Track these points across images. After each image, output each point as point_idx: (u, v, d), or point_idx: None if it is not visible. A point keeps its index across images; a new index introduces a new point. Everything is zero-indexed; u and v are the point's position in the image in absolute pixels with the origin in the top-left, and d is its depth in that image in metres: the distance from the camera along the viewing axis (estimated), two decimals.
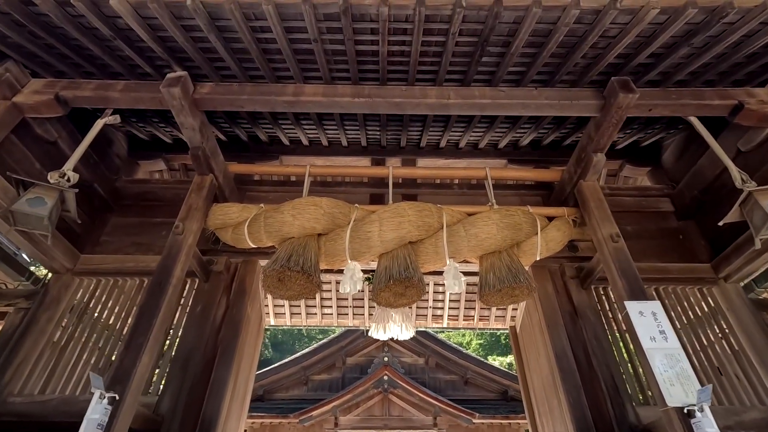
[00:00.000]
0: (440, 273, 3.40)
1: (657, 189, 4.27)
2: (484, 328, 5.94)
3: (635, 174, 4.72)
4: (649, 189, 4.32)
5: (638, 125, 4.12)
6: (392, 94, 3.19)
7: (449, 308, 5.80)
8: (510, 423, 15.10)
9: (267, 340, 24.99)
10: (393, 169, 3.78)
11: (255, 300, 3.92)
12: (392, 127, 4.20)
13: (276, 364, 16.93)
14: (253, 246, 3.41)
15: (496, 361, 21.49)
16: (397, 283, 2.98)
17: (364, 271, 3.84)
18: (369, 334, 4.93)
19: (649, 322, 2.67)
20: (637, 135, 4.31)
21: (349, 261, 3.24)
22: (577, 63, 3.08)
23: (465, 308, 5.78)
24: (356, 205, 3.44)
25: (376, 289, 3.04)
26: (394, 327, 4.83)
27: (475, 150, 4.66)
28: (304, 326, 6.01)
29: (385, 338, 4.97)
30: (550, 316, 3.45)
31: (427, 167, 4.31)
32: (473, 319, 5.81)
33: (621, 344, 3.34)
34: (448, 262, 3.20)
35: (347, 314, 5.84)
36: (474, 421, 14.51)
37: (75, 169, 3.04)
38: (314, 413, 14.54)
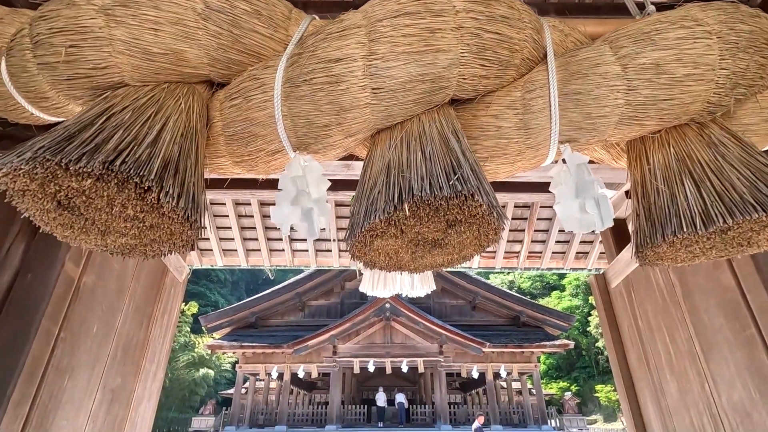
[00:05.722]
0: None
1: None
2: (553, 269, 3.91)
3: None
4: None
5: None
6: None
7: (506, 240, 3.67)
8: (523, 351, 14.06)
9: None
10: None
11: None
12: None
13: (268, 291, 15.65)
14: (35, 110, 1.31)
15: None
16: (424, 211, 0.94)
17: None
18: (360, 289, 3.02)
19: None
20: None
21: (291, 154, 1.18)
22: None
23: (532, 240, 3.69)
24: None
25: (361, 231, 1.00)
26: (402, 279, 2.92)
27: None
28: (271, 267, 4.12)
29: (386, 295, 3.09)
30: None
31: None
32: (542, 257, 3.76)
33: None
34: (559, 149, 1.14)
35: (330, 250, 3.92)
36: (484, 350, 13.44)
37: None
38: (310, 343, 13.45)
